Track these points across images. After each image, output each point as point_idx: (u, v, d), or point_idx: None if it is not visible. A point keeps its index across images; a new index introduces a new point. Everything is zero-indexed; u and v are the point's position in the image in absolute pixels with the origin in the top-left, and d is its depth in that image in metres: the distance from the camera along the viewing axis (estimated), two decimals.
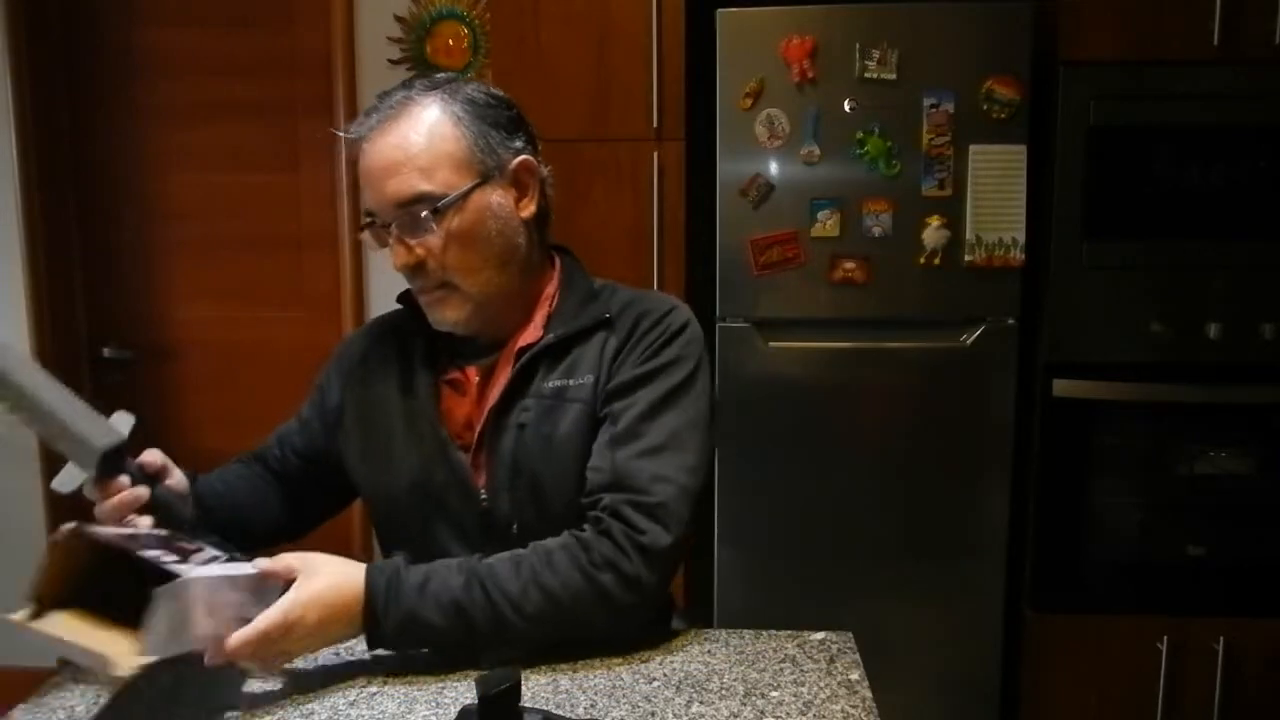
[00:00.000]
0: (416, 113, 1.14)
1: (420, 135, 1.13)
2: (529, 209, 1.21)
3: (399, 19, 2.70)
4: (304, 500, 1.34)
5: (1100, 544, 2.32)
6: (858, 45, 2.17)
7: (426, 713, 0.96)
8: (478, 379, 1.21)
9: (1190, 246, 2.21)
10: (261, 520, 1.30)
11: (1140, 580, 2.33)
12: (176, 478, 1.16)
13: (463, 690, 0.99)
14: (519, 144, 1.20)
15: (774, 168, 2.22)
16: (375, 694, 0.99)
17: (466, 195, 1.14)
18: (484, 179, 1.15)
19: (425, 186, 1.12)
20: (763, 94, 2.20)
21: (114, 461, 1.05)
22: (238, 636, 0.93)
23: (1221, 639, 2.24)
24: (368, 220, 1.18)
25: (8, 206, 2.74)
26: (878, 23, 2.17)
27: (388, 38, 2.70)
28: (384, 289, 2.78)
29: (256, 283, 2.85)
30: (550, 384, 1.17)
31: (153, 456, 1.13)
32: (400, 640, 1.04)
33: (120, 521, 1.05)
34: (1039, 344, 2.27)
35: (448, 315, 1.18)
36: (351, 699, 0.99)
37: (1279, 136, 2.17)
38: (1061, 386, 2.24)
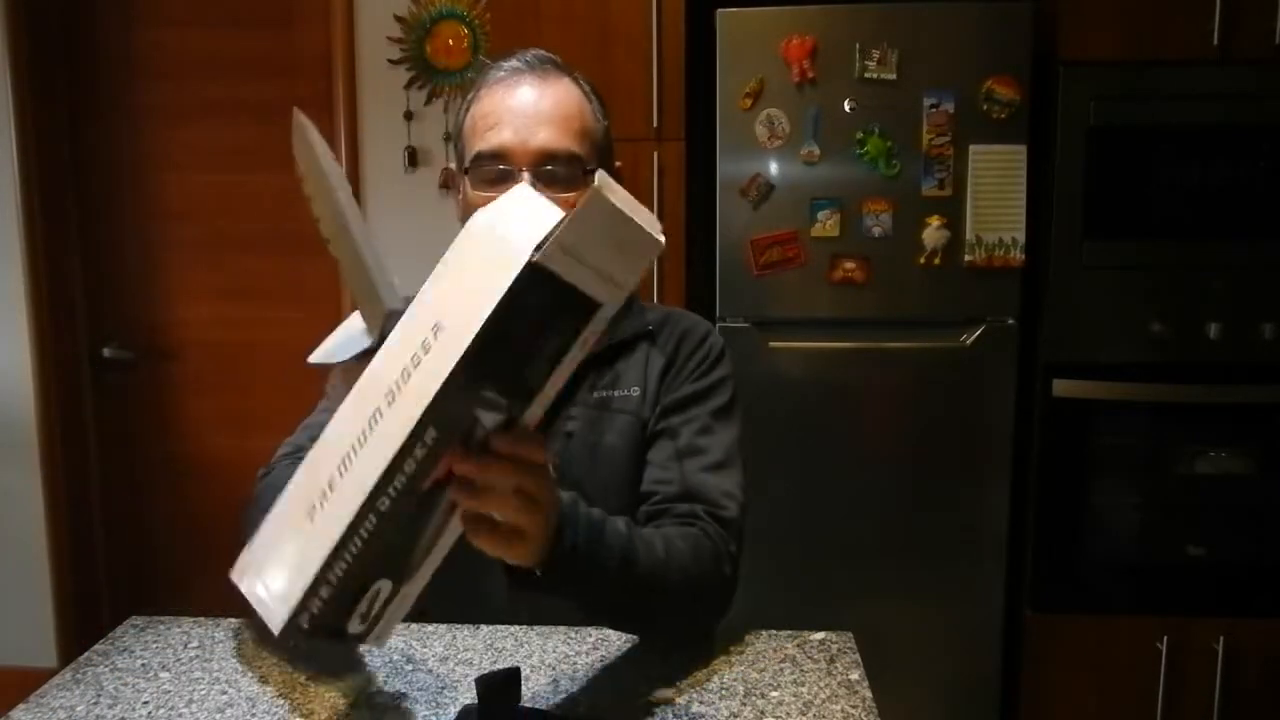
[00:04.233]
0: (566, 83, 1.15)
1: (576, 103, 1.15)
2: None
3: (399, 19, 2.70)
4: None
5: (1100, 544, 2.32)
6: (858, 45, 2.17)
7: (426, 713, 0.96)
8: None
9: (1190, 246, 2.21)
10: None
11: (1140, 580, 2.33)
12: None
13: (463, 690, 0.99)
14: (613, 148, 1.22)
15: (774, 168, 2.22)
16: (375, 694, 0.99)
17: (593, 173, 1.13)
18: (600, 167, 1.16)
19: (579, 149, 1.13)
20: (763, 94, 2.20)
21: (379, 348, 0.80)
22: None
23: (1221, 639, 2.24)
24: (481, 162, 1.12)
25: (8, 206, 2.74)
26: (878, 23, 2.17)
27: (388, 38, 2.70)
28: None
29: (256, 283, 2.85)
30: (596, 394, 1.18)
31: None
32: (576, 562, 0.91)
33: None
34: (1039, 344, 2.27)
35: None
36: (352, 699, 0.98)
37: (1279, 136, 2.17)
38: (1061, 386, 2.24)
